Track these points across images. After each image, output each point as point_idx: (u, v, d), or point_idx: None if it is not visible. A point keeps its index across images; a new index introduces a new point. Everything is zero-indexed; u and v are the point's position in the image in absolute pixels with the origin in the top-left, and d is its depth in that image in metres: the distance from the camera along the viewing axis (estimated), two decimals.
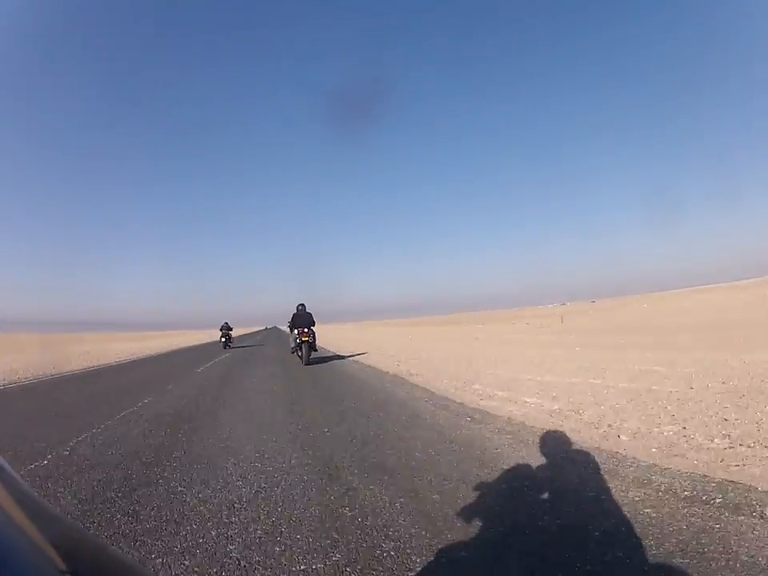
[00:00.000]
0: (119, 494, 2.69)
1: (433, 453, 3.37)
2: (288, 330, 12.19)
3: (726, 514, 2.10)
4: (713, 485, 2.46)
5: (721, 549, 1.81)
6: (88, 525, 2.25)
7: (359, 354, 13.53)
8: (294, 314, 11.29)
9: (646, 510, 2.20)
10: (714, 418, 3.70)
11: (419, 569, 1.80)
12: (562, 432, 3.71)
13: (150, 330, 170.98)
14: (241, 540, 2.07)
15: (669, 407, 4.17)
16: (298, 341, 10.86)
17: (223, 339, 20.20)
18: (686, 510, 2.19)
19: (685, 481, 2.55)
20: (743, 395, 4.32)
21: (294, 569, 1.83)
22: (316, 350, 11.29)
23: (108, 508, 2.48)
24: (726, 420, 3.60)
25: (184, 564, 1.88)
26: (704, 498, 2.31)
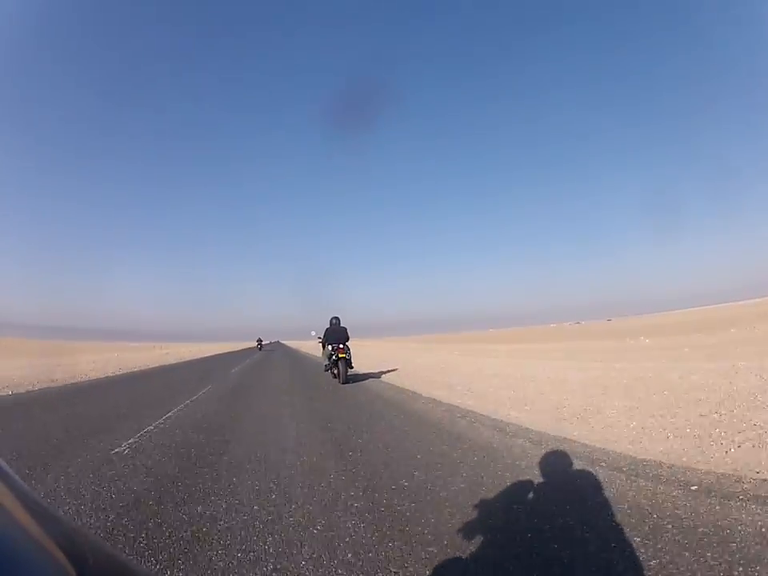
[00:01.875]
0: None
1: None
2: (320, 345, 10.86)
3: None
4: None
5: None
6: None
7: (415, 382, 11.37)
8: (327, 329, 10.14)
9: None
10: None
11: None
12: None
13: (153, 340, 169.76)
14: None
15: None
16: (333, 357, 9.66)
17: (258, 346, 42.31)
18: None
19: None
20: None
21: None
22: (352, 368, 10.03)
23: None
24: None
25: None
26: None
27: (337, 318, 10.13)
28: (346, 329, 10.04)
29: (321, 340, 10.42)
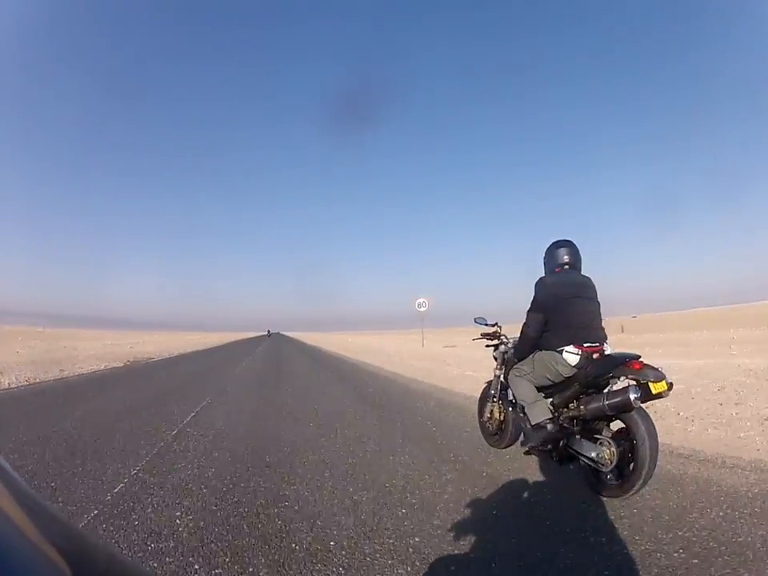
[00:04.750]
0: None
1: None
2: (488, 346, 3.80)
3: None
4: None
5: None
6: None
7: None
8: (541, 281, 3.03)
9: None
10: None
11: None
12: None
13: (151, 329, 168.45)
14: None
15: None
16: (613, 402, 2.41)
17: (267, 334, 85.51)
18: None
19: None
20: None
21: None
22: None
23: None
24: None
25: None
26: None
27: (570, 244, 3.12)
28: (592, 281, 3.11)
29: (489, 333, 3.69)
